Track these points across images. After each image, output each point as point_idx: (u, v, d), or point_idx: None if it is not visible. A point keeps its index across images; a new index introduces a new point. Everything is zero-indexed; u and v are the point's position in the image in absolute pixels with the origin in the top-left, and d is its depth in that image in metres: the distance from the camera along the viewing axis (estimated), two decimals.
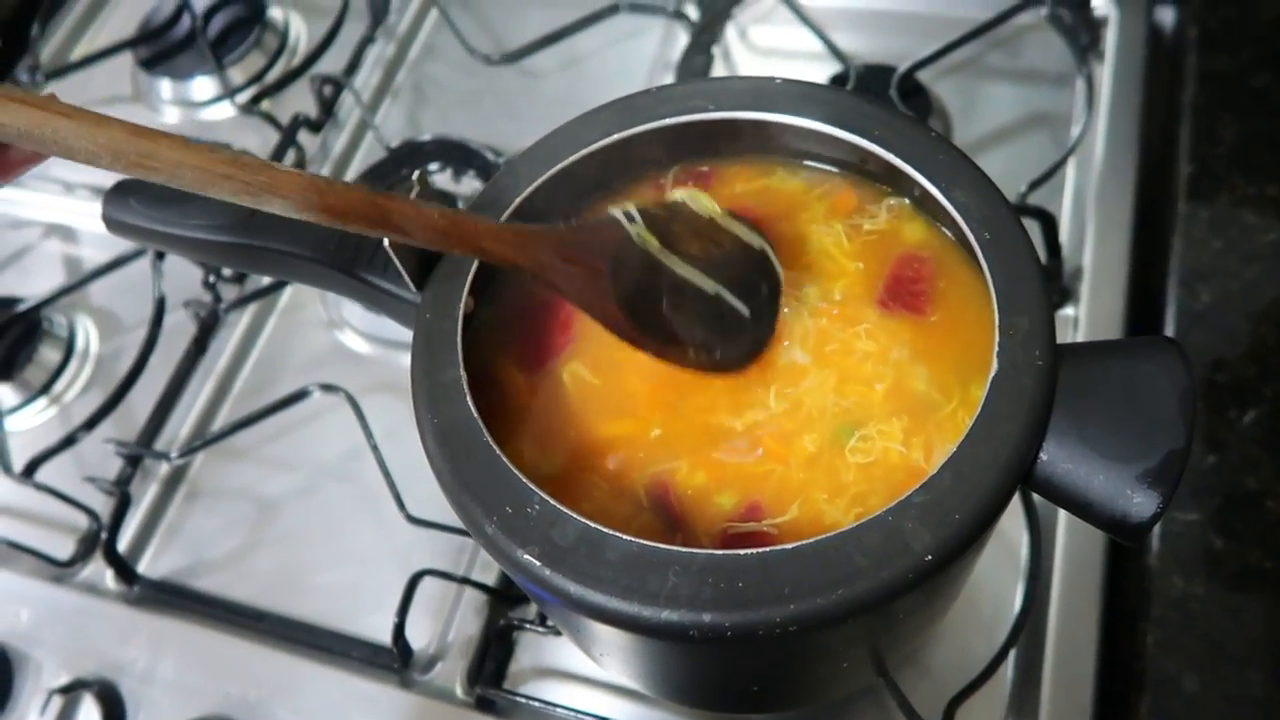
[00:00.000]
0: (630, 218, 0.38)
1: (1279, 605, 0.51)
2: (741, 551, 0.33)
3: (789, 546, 0.33)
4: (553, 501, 0.35)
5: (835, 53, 0.71)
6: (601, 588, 0.33)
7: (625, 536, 0.34)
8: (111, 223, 0.48)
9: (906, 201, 0.43)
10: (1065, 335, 0.61)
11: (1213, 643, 0.50)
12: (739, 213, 0.41)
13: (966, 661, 0.52)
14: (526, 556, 0.34)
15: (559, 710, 0.53)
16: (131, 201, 0.47)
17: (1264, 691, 0.49)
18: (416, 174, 0.40)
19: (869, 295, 0.42)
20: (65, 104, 0.30)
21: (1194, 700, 0.49)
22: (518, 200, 0.42)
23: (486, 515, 0.35)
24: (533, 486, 0.35)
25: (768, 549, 0.33)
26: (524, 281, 0.43)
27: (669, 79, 0.76)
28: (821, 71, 0.73)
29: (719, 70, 0.77)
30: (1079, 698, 0.51)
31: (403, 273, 0.40)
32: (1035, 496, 0.56)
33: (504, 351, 0.43)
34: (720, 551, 0.33)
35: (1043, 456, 0.35)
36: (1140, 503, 0.34)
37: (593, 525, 0.34)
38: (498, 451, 0.36)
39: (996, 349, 0.36)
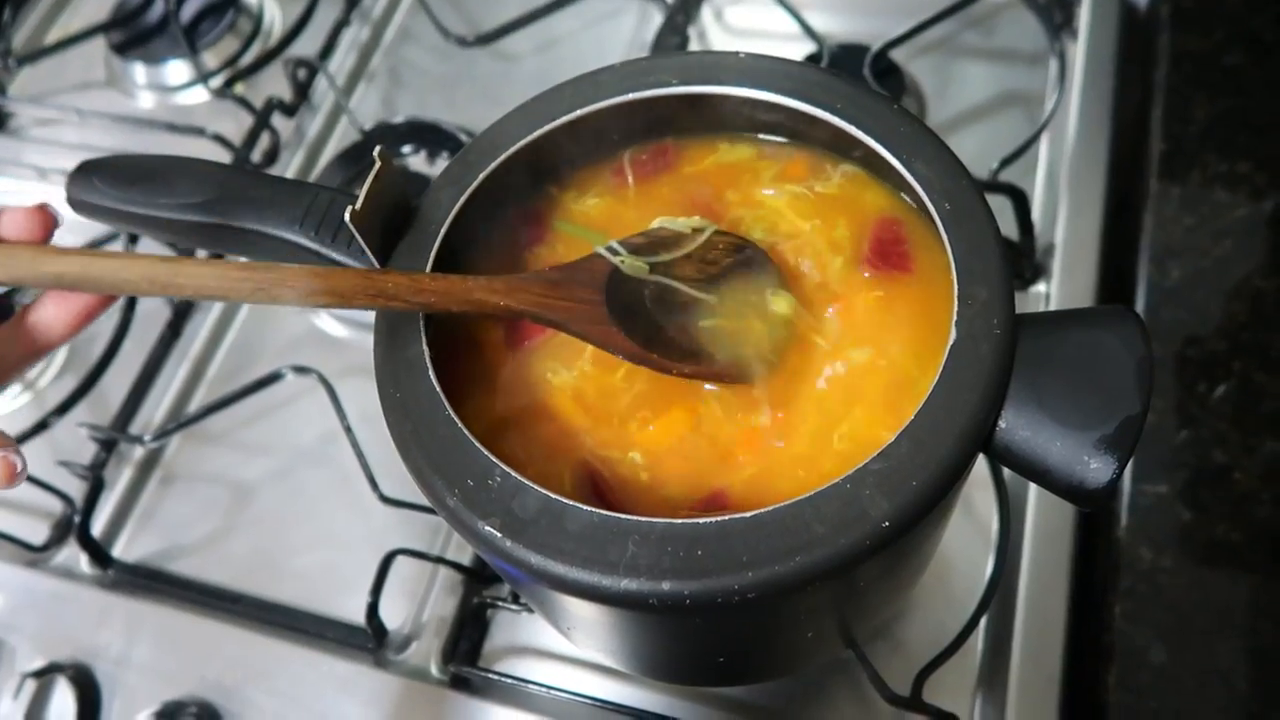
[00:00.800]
0: (614, 251, 0.40)
1: (1246, 577, 0.51)
2: (700, 520, 0.33)
3: (748, 515, 0.33)
4: (514, 474, 0.35)
5: (810, 32, 0.71)
6: (562, 558, 0.33)
7: (585, 508, 0.34)
8: (76, 204, 0.47)
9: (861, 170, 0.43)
10: (1038, 311, 0.62)
11: (1180, 614, 0.51)
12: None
13: (937, 634, 0.52)
14: (488, 528, 0.34)
15: (533, 687, 0.53)
16: (95, 181, 0.46)
17: (1230, 663, 0.49)
18: (378, 149, 0.40)
19: (856, 261, 0.42)
20: (105, 250, 0.36)
21: (1161, 671, 0.50)
22: (481, 175, 0.42)
23: (448, 488, 0.35)
24: (494, 459, 0.35)
25: (726, 517, 0.33)
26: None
27: None
28: (796, 51, 0.73)
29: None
30: (1048, 669, 0.51)
31: (365, 249, 0.40)
32: (1005, 470, 0.56)
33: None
34: (679, 520, 0.33)
35: (1001, 424, 0.35)
36: (1097, 468, 0.34)
37: (554, 497, 0.34)
38: (460, 425, 0.36)
39: (955, 319, 0.36)
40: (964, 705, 0.51)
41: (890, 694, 0.48)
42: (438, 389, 0.37)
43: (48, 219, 0.36)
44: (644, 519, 0.33)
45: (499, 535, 0.34)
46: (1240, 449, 0.55)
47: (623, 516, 0.34)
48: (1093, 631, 0.52)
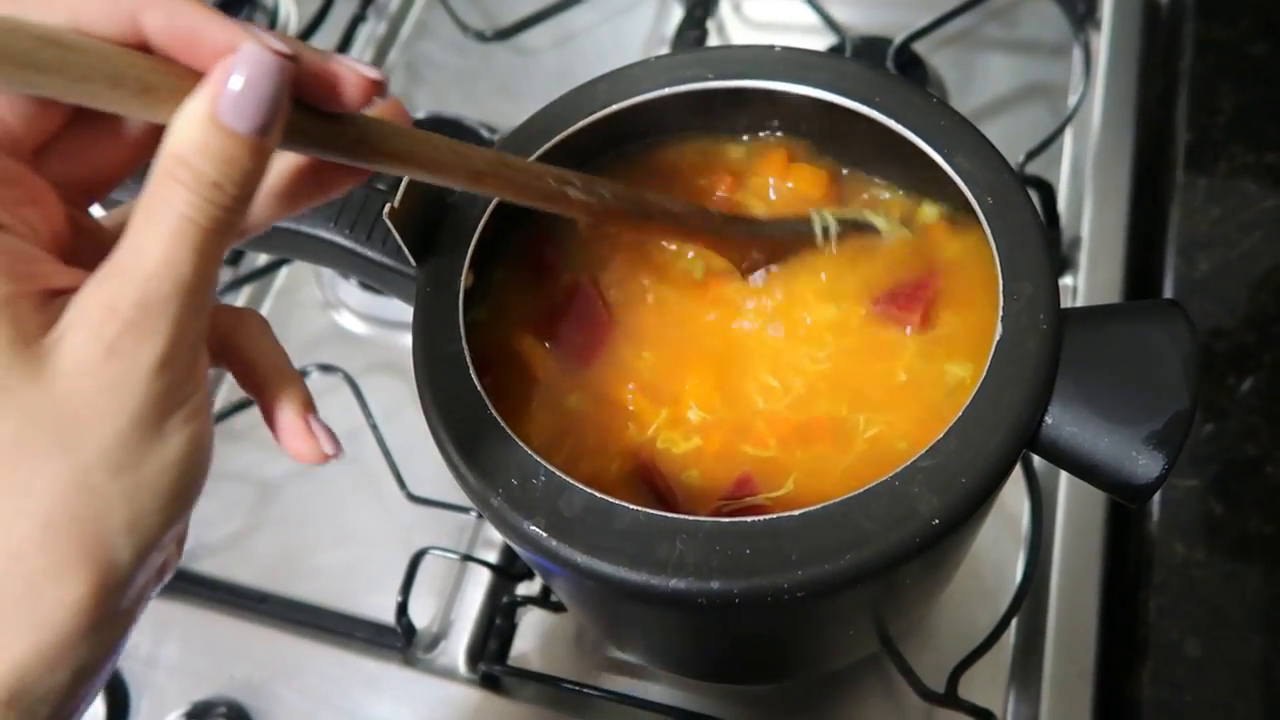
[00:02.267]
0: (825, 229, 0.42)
1: (1279, 569, 0.51)
2: (748, 519, 0.33)
3: (796, 513, 0.33)
4: (559, 473, 0.35)
5: (830, 25, 0.71)
6: (609, 557, 0.33)
7: (632, 506, 0.34)
8: (104, 200, 0.47)
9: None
10: (1064, 304, 0.61)
11: (1214, 608, 0.51)
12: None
13: (970, 630, 0.52)
14: (533, 528, 0.34)
15: (564, 686, 0.53)
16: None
17: (1265, 655, 0.49)
18: None
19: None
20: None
21: (1196, 665, 0.50)
22: None
23: (491, 488, 0.35)
24: (538, 458, 0.35)
25: (774, 516, 0.33)
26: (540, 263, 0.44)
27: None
28: (817, 44, 0.73)
29: (714, 44, 0.76)
30: (1081, 664, 0.51)
31: (402, 246, 0.40)
32: (1037, 465, 0.56)
33: (523, 323, 0.43)
34: (726, 519, 0.33)
35: (1047, 420, 0.35)
36: (1145, 464, 0.34)
37: (599, 495, 0.34)
38: (501, 423, 0.36)
39: (1001, 314, 0.36)
40: (997, 700, 0.51)
41: (925, 690, 0.48)
42: (478, 386, 0.37)
43: (373, 85, 0.28)
44: (691, 518, 0.33)
45: (545, 535, 0.34)
46: (1271, 442, 0.54)
47: (670, 515, 0.33)
48: (1126, 626, 0.52)
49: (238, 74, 0.24)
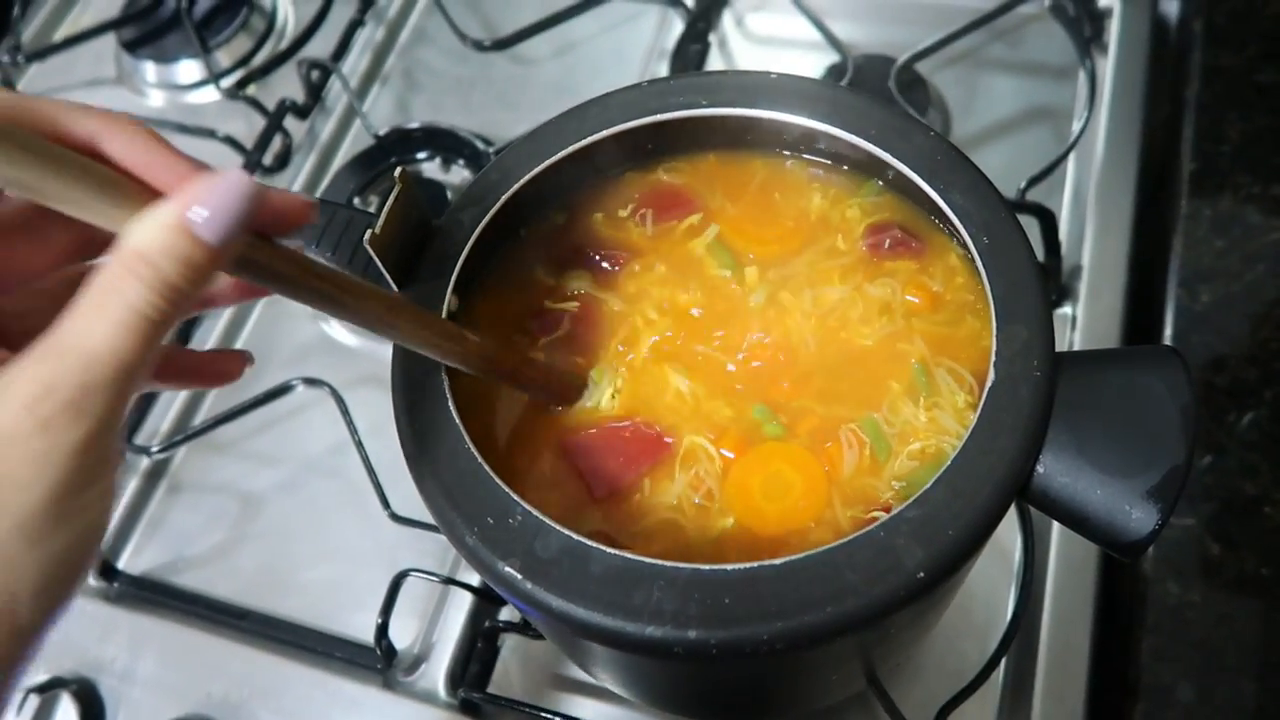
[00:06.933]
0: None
1: (1275, 613, 0.50)
2: (729, 567, 0.32)
3: (778, 562, 0.32)
4: (535, 513, 0.34)
5: (833, 42, 0.70)
6: (584, 602, 0.32)
7: (610, 550, 0.33)
8: None
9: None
10: (1063, 334, 0.60)
11: (1208, 651, 0.50)
12: None
13: (958, 666, 0.51)
14: (508, 569, 0.33)
15: (544, 716, 0.52)
16: None
17: (1257, 702, 0.48)
18: (398, 171, 0.38)
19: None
20: (350, 279, 0.34)
21: (1188, 710, 0.49)
22: (504, 197, 0.41)
23: (467, 525, 0.34)
24: (515, 497, 0.34)
25: (756, 564, 0.32)
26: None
27: (664, 68, 0.75)
28: (819, 62, 0.72)
29: (715, 59, 0.75)
30: (1071, 706, 0.50)
31: (383, 271, 0.39)
32: None
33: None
34: (707, 567, 0.32)
35: (1039, 469, 0.34)
36: (1139, 519, 0.33)
37: (576, 538, 0.33)
38: (479, 460, 0.35)
39: (994, 359, 0.35)
40: None
41: None
42: (457, 420, 0.36)
43: (310, 211, 0.33)
44: (669, 564, 0.32)
45: (519, 577, 0.33)
46: (1270, 481, 0.53)
47: (648, 560, 0.33)
48: (1117, 668, 0.51)
49: (216, 190, 0.27)
